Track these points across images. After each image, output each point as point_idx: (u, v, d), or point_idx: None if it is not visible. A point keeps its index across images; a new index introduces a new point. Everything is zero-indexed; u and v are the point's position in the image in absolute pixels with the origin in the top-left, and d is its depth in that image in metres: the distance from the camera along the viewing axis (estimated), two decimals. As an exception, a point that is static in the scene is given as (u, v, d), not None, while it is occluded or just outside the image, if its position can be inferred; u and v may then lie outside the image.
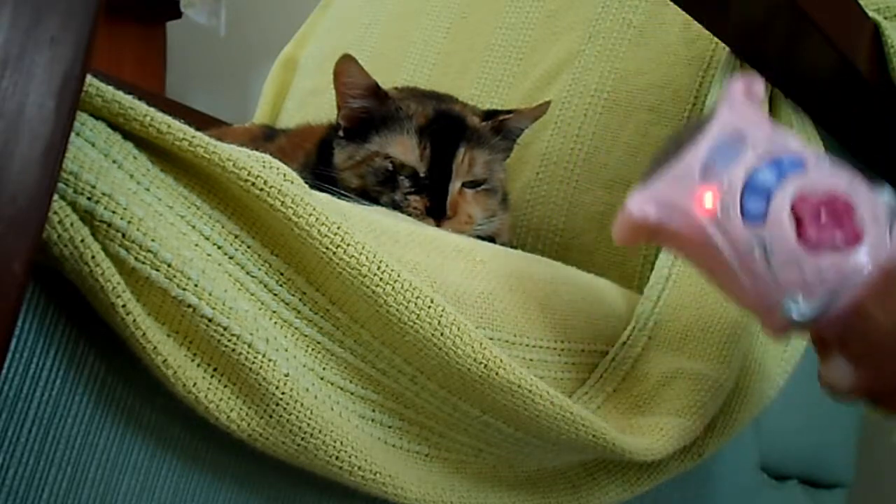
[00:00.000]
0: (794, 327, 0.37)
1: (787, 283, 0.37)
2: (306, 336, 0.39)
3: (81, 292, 0.33)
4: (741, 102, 0.42)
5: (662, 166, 0.41)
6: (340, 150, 0.73)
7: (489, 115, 0.75)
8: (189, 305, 0.34)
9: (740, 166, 0.39)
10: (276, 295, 0.39)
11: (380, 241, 0.44)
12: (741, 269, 0.38)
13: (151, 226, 0.33)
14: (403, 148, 0.69)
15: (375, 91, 0.72)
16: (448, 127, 0.71)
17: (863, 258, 0.36)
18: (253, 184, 0.36)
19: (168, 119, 0.35)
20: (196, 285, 0.34)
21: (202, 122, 1.00)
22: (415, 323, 0.38)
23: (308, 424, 0.37)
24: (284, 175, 0.38)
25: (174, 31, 1.88)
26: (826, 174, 0.39)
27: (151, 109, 0.35)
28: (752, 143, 0.40)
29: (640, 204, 0.40)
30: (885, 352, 0.35)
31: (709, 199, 0.39)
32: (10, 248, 0.27)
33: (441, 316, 0.39)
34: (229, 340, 0.35)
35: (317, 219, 0.37)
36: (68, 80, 0.28)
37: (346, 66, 0.71)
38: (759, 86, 0.43)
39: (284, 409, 0.36)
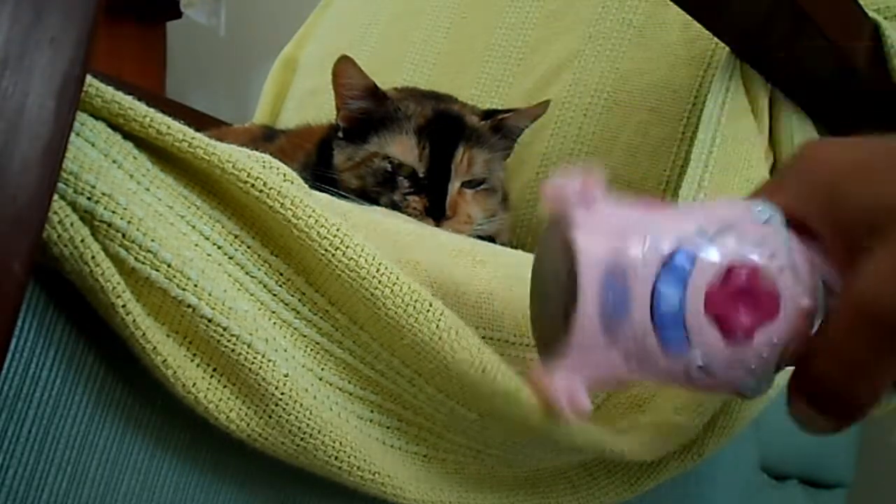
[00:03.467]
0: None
1: (734, 379, 0.36)
2: (305, 337, 0.39)
3: (81, 292, 0.33)
4: (588, 222, 0.35)
5: (556, 337, 0.36)
6: (340, 151, 0.73)
7: (488, 114, 0.75)
8: (189, 305, 0.34)
9: (639, 305, 0.34)
10: (275, 295, 0.39)
11: (379, 241, 0.44)
12: (693, 387, 0.37)
13: (151, 226, 0.33)
14: (402, 148, 0.69)
15: (373, 92, 0.72)
16: (447, 127, 0.71)
17: (790, 315, 0.35)
18: (253, 184, 0.36)
19: (168, 119, 0.35)
20: (196, 285, 0.34)
21: (202, 122, 1.00)
22: (413, 326, 0.38)
23: (307, 424, 0.37)
24: (284, 176, 0.38)
25: (174, 31, 1.88)
26: (714, 250, 0.35)
27: (151, 110, 0.35)
28: (630, 269, 0.34)
29: (565, 392, 0.36)
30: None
31: (625, 362, 0.35)
32: (10, 248, 0.27)
33: (439, 320, 0.39)
34: (229, 340, 0.35)
35: (316, 220, 0.37)
36: (68, 80, 0.28)
37: (344, 67, 0.71)
38: (590, 180, 0.35)
39: (284, 409, 0.36)
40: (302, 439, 0.37)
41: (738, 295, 0.35)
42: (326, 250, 0.37)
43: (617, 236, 0.35)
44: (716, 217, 0.36)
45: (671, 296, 0.34)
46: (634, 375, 0.36)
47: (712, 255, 0.35)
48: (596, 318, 0.35)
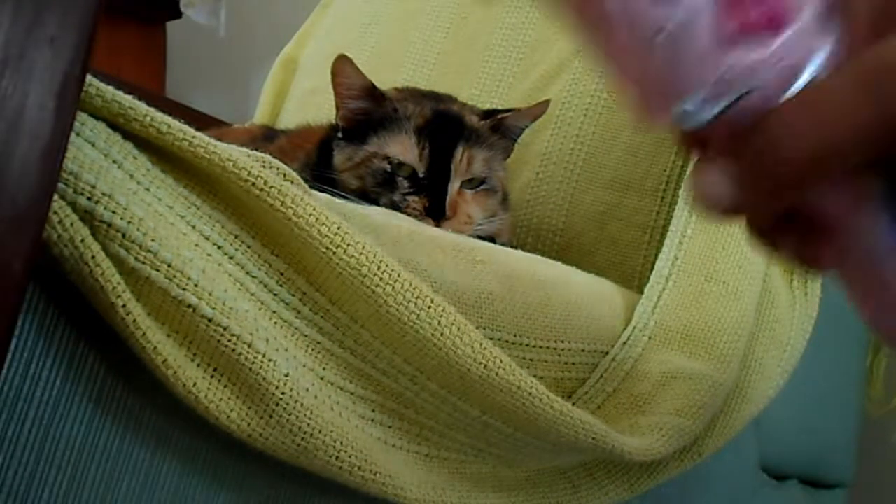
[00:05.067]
0: (681, 126, 0.30)
1: (689, 81, 0.30)
2: (306, 336, 0.39)
3: (81, 292, 0.33)
4: None
5: None
6: (339, 152, 0.73)
7: (488, 114, 0.75)
8: (189, 305, 0.34)
9: None
10: (276, 295, 0.39)
11: (380, 241, 0.44)
12: (635, 55, 0.31)
13: (151, 226, 0.33)
14: (402, 148, 0.69)
15: (372, 92, 0.72)
16: (446, 126, 0.71)
17: (781, 51, 0.29)
18: (253, 184, 0.36)
19: (168, 119, 0.35)
20: (196, 285, 0.34)
21: (202, 122, 1.00)
22: (415, 323, 0.38)
23: (308, 424, 0.37)
24: (284, 175, 0.38)
25: (174, 31, 1.88)
26: None
27: (151, 109, 0.35)
28: None
29: None
30: (771, 174, 0.29)
31: None
32: (10, 248, 0.27)
33: (441, 316, 0.39)
34: (229, 340, 0.35)
35: (317, 219, 0.37)
36: (68, 80, 0.28)
37: (342, 67, 0.71)
38: None
39: (284, 409, 0.36)
40: (302, 439, 0.37)
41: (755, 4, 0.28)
42: (327, 249, 0.37)
43: None
44: None
45: None
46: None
47: None
48: None
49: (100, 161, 0.33)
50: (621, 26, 0.30)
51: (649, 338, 0.52)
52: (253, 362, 0.35)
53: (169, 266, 0.33)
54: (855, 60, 0.28)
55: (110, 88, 0.34)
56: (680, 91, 0.30)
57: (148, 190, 0.35)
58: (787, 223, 0.31)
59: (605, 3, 0.30)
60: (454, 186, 0.69)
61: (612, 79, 0.32)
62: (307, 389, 0.37)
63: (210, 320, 0.34)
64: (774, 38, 0.29)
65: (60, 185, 0.31)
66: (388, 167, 0.69)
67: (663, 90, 0.30)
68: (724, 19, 0.29)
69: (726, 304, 0.55)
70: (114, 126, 0.34)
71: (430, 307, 0.39)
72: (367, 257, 0.38)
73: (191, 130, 0.35)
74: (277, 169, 0.38)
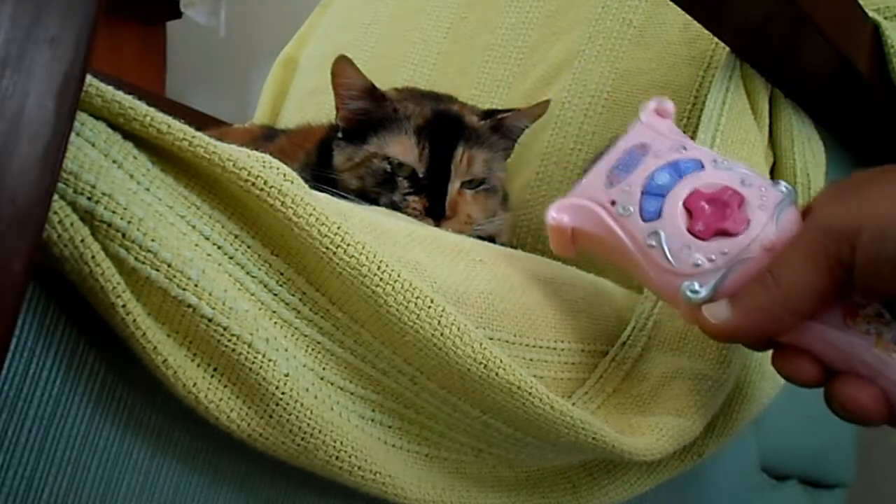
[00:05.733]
0: (695, 307, 0.42)
1: (683, 270, 0.42)
2: (306, 336, 0.39)
3: (81, 292, 0.33)
4: (652, 119, 0.48)
5: (579, 181, 0.47)
6: (339, 152, 0.73)
7: (488, 114, 0.75)
8: (189, 305, 0.34)
9: (641, 172, 0.45)
10: (276, 295, 0.39)
11: (380, 240, 0.44)
12: (646, 262, 0.43)
13: (151, 226, 0.33)
14: (402, 148, 0.69)
15: (371, 92, 0.72)
16: (446, 126, 0.71)
17: (747, 241, 0.41)
18: (253, 184, 0.36)
19: (168, 119, 0.35)
20: (196, 285, 0.34)
21: (202, 122, 1.00)
22: (415, 323, 0.38)
23: (308, 424, 0.37)
24: (284, 175, 0.38)
25: (174, 31, 1.88)
26: (720, 173, 0.44)
27: (151, 109, 0.35)
28: (654, 152, 0.46)
29: (556, 213, 0.47)
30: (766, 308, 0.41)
31: (612, 203, 0.45)
32: (10, 248, 0.27)
33: (441, 316, 0.39)
34: (229, 340, 0.35)
35: (317, 219, 0.37)
36: (68, 80, 0.28)
37: (341, 68, 0.71)
38: (669, 104, 0.49)
39: (284, 409, 0.36)
40: (302, 439, 0.37)
41: (717, 205, 0.42)
42: (327, 248, 0.37)
43: (660, 136, 0.47)
44: (743, 166, 0.45)
45: (666, 179, 0.44)
46: (608, 224, 0.45)
47: (714, 173, 0.44)
48: (607, 168, 0.46)
49: (100, 161, 0.33)
50: (630, 246, 0.44)
51: (649, 338, 0.52)
52: (253, 362, 0.35)
53: (169, 266, 0.33)
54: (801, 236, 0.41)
55: (110, 88, 0.34)
56: (681, 280, 0.42)
57: (148, 190, 0.35)
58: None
59: (615, 234, 0.44)
60: (454, 186, 0.69)
61: (644, 284, 0.46)
62: (307, 389, 0.37)
63: (210, 320, 0.34)
64: (734, 238, 0.41)
65: (60, 185, 0.31)
66: (388, 167, 0.69)
67: (672, 285, 0.42)
68: (694, 223, 0.42)
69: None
70: (114, 126, 0.34)
71: (429, 307, 0.39)
72: (367, 257, 0.38)
73: (191, 130, 0.35)
74: (277, 169, 0.38)
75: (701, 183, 0.43)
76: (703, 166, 0.44)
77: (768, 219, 0.42)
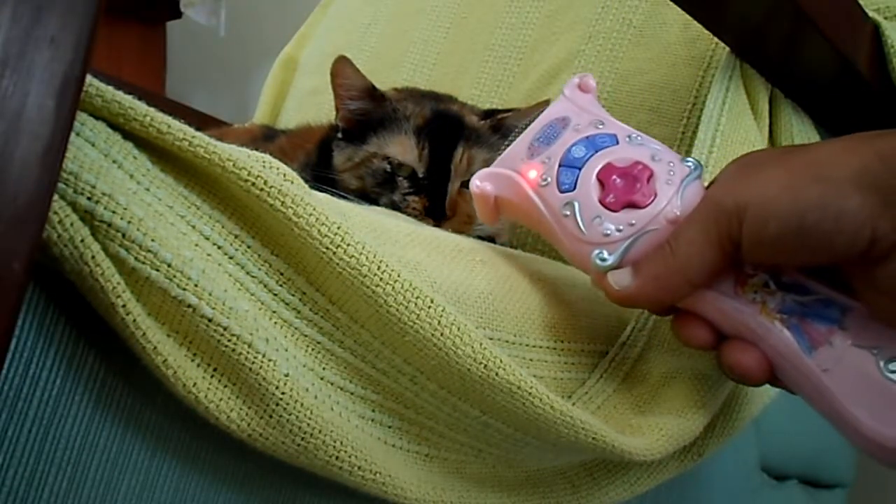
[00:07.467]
0: (603, 273, 0.45)
1: (594, 239, 0.44)
2: (306, 336, 0.39)
3: (81, 292, 0.33)
4: (574, 94, 0.50)
5: (503, 151, 0.50)
6: (339, 152, 0.73)
7: (488, 114, 0.75)
8: (189, 305, 0.34)
9: (560, 145, 0.47)
10: (276, 295, 0.39)
11: (380, 240, 0.44)
12: (561, 231, 0.46)
13: (151, 226, 0.33)
14: (402, 148, 0.69)
15: (371, 92, 0.72)
16: (446, 127, 0.71)
17: (653, 213, 0.43)
18: (253, 184, 0.36)
19: (168, 119, 0.35)
20: (196, 285, 0.34)
21: (202, 122, 1.00)
22: (415, 323, 0.38)
23: (308, 424, 0.37)
24: (284, 175, 0.38)
25: (174, 31, 1.88)
26: (632, 148, 0.46)
27: (151, 109, 0.35)
28: (573, 126, 0.48)
29: (480, 181, 0.49)
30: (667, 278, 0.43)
31: (532, 173, 0.47)
32: (10, 248, 0.27)
33: (441, 316, 0.39)
34: (229, 340, 0.35)
35: (317, 219, 0.37)
36: (68, 80, 0.28)
37: (341, 68, 0.71)
38: (591, 80, 0.51)
39: (284, 409, 0.36)
40: (302, 439, 0.37)
41: (627, 178, 0.45)
42: (327, 248, 0.37)
43: (580, 111, 0.49)
44: (655, 143, 0.47)
45: (582, 152, 0.47)
46: (527, 193, 0.47)
47: (626, 148, 0.46)
48: (528, 140, 0.49)
49: (100, 161, 0.33)
50: (547, 215, 0.46)
51: (649, 338, 0.52)
52: (253, 362, 0.35)
53: (169, 266, 0.33)
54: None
55: (110, 88, 0.34)
56: (591, 248, 0.45)
57: (148, 190, 0.35)
58: None
59: (533, 203, 0.47)
60: (454, 186, 0.69)
61: (560, 252, 0.48)
62: (307, 389, 0.37)
63: (210, 320, 0.34)
64: (641, 210, 0.44)
65: (60, 184, 0.31)
66: (388, 167, 0.69)
67: (584, 252, 0.45)
68: (605, 195, 0.45)
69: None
70: (114, 126, 0.34)
71: (429, 307, 0.39)
72: (367, 257, 0.38)
73: (191, 130, 0.35)
74: (277, 169, 0.38)
75: (614, 157, 0.46)
76: (617, 141, 0.47)
77: (674, 193, 0.44)
